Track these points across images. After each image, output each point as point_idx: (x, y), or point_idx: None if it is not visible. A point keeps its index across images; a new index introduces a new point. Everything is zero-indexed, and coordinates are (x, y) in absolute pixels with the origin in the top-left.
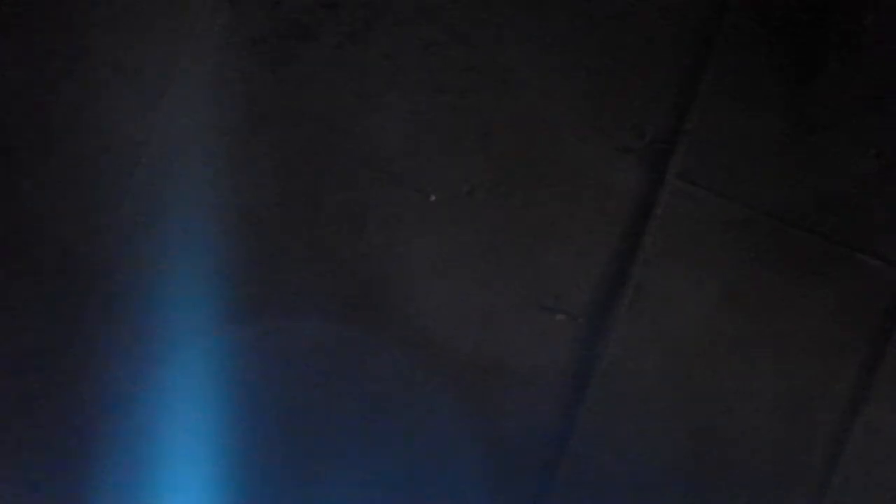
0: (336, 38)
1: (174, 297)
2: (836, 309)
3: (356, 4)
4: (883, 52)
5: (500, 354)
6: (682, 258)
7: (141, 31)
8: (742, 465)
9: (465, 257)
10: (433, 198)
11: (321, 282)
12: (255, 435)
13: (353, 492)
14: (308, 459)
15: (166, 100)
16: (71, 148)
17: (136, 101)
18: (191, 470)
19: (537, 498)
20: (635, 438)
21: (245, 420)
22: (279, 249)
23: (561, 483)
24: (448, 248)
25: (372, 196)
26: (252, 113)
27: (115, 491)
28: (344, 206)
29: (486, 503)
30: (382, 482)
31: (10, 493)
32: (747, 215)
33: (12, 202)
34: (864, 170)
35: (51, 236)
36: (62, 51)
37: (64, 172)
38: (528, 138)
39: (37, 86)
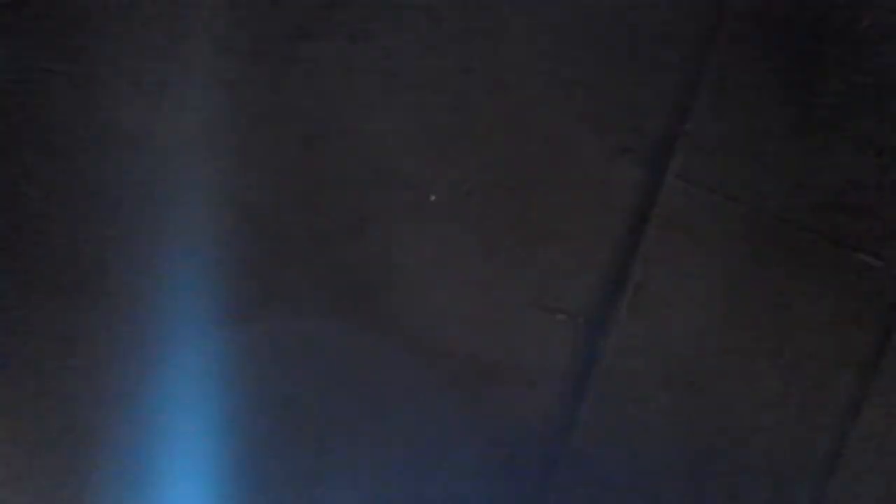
0: (336, 38)
1: (174, 296)
2: (836, 309)
3: (356, 4)
4: (883, 52)
5: (500, 354)
6: (682, 258)
7: (141, 31)
8: (741, 465)
9: (465, 257)
10: (433, 198)
11: (321, 282)
12: (255, 434)
13: (353, 491)
14: (308, 458)
15: (166, 100)
16: (71, 148)
17: (136, 101)
18: (191, 469)
19: (537, 498)
20: (635, 438)
21: (244, 419)
22: (279, 249)
23: (561, 483)
24: (448, 248)
25: (372, 196)
26: (252, 113)
27: (115, 490)
28: (344, 206)
29: (487, 502)
30: (383, 481)
31: (11, 493)
32: (747, 215)
33: (12, 202)
34: (864, 170)
35: (51, 236)
36: (63, 51)
37: (64, 172)
38: (528, 138)
39: (37, 86)
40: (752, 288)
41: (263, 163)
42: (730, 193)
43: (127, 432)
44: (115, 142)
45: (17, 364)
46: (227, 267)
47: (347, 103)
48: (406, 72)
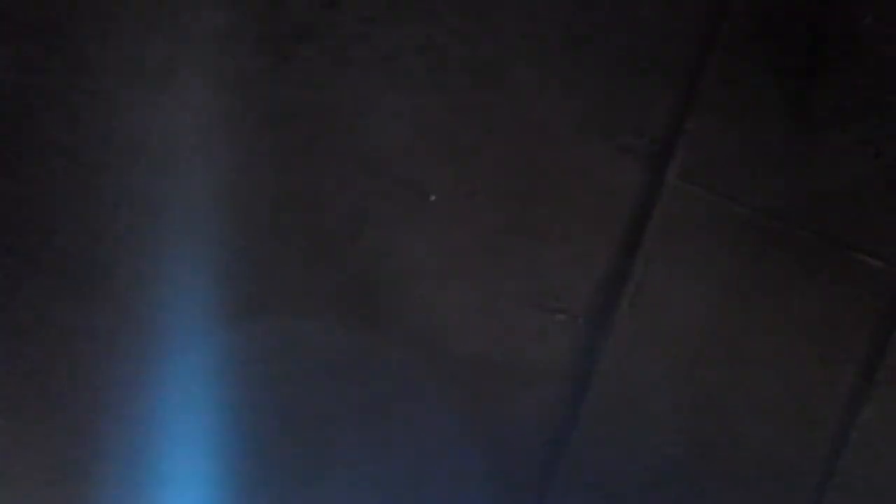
0: (336, 38)
1: (174, 297)
2: (836, 309)
3: (356, 4)
4: (883, 52)
5: (500, 354)
6: (682, 258)
7: (141, 30)
8: (742, 465)
9: (465, 257)
10: (433, 198)
11: (321, 282)
12: (255, 434)
13: (353, 491)
14: (308, 459)
15: (166, 100)
16: (71, 148)
17: (136, 101)
18: (190, 470)
19: (537, 498)
20: (635, 438)
21: (245, 419)
22: (279, 249)
23: (561, 483)
24: (448, 248)
25: (372, 196)
26: (252, 113)
27: (116, 490)
28: (344, 206)
29: (486, 502)
30: (383, 482)
31: (12, 493)
32: (747, 215)
33: (12, 202)
34: (864, 170)
35: (50, 237)
36: (62, 50)
37: (64, 172)
38: (528, 138)
39: (37, 86)
40: (751, 288)
41: (263, 162)
42: (730, 193)
43: (127, 431)
44: (116, 142)
45: (16, 364)
46: (227, 267)
47: (347, 103)
48: (406, 72)
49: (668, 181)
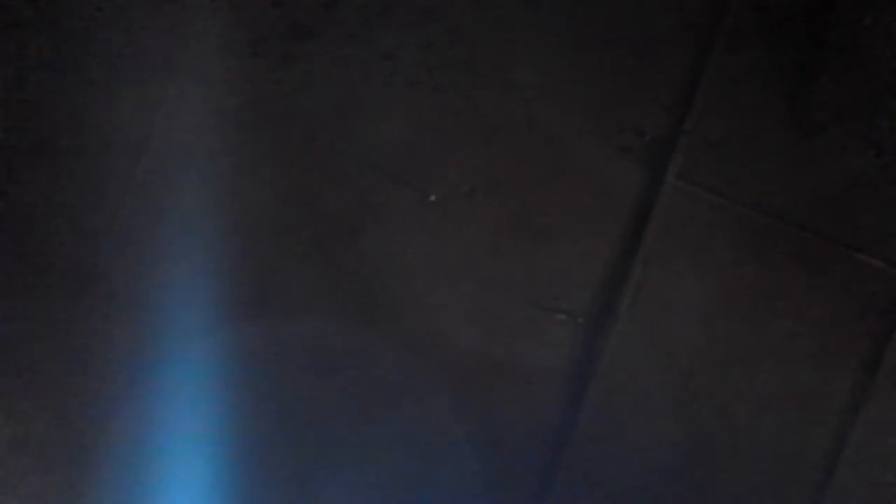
0: (336, 38)
1: (174, 296)
2: (836, 309)
3: (356, 4)
4: (883, 52)
5: (500, 354)
6: (682, 258)
7: (141, 31)
8: (741, 465)
9: (465, 257)
10: (433, 198)
11: (321, 282)
12: (255, 434)
13: (353, 492)
14: (307, 459)
15: (166, 100)
16: (71, 148)
17: (136, 102)
18: (190, 470)
19: (537, 498)
20: (635, 438)
21: (244, 419)
22: (279, 249)
23: (561, 483)
24: (448, 248)
25: (371, 196)
26: (252, 113)
27: (114, 491)
28: (343, 206)
29: (486, 503)
30: (382, 482)
31: (10, 492)
32: (747, 215)
33: (12, 202)
34: (864, 170)
35: (50, 237)
36: (62, 51)
37: (64, 173)
38: (528, 138)
39: (37, 86)
40: (751, 288)
41: (263, 163)
42: (730, 193)
43: (126, 431)
44: (116, 142)
45: (16, 363)
46: (227, 267)
47: (347, 103)
48: (406, 72)
49: (668, 181)
